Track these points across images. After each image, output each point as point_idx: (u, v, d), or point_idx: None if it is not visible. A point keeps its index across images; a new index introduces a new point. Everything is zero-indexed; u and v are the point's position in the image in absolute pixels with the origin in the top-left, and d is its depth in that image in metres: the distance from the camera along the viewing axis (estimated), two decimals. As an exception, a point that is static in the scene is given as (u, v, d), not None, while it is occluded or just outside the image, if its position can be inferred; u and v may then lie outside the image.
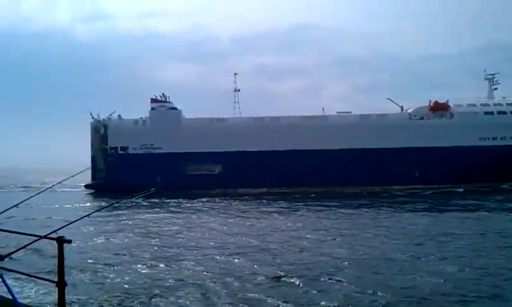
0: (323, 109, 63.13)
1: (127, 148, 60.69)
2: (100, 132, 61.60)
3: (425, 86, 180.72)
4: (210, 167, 59.21)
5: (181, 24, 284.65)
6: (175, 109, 63.25)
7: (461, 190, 52.49)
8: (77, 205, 44.80)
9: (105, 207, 27.10)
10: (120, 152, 60.64)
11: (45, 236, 5.31)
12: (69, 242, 4.94)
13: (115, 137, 60.80)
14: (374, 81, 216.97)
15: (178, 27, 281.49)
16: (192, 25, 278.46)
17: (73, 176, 9.83)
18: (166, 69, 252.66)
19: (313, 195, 50.46)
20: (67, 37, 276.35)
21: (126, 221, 33.34)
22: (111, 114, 63.20)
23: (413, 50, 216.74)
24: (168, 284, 16.56)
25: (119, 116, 63.38)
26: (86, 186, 61.34)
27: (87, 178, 62.29)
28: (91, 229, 27.18)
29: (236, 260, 19.94)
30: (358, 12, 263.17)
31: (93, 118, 62.71)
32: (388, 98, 64.54)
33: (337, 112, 62.19)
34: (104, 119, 62.54)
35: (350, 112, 62.10)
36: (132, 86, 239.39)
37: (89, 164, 61.41)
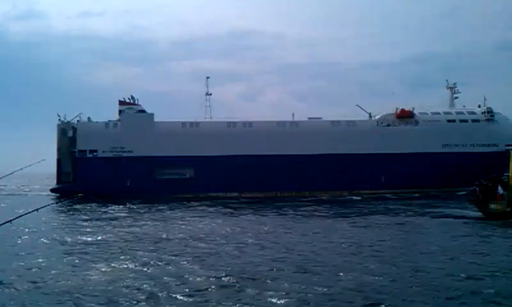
0: (293, 114, 64.21)
1: (97, 151, 59.14)
2: (68, 135, 59.57)
3: (365, 93, 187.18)
4: (181, 171, 58.81)
5: (119, 25, 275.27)
6: (144, 111, 62.16)
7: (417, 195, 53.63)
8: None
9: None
10: (89, 155, 58.99)
11: None
12: None
13: (84, 139, 58.92)
14: (312, 88, 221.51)
15: (116, 28, 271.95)
16: (131, 26, 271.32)
17: (21, 169, 9.77)
18: (103, 70, 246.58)
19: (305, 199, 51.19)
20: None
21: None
22: (79, 116, 61.34)
23: (352, 57, 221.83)
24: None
25: (88, 118, 61.51)
26: (52, 190, 59.41)
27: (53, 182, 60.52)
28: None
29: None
30: (298, 19, 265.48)
31: (60, 119, 60.66)
32: (357, 105, 66.30)
33: (308, 118, 63.34)
34: (71, 122, 60.69)
35: (321, 118, 63.43)
36: (69, 87, 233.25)
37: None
